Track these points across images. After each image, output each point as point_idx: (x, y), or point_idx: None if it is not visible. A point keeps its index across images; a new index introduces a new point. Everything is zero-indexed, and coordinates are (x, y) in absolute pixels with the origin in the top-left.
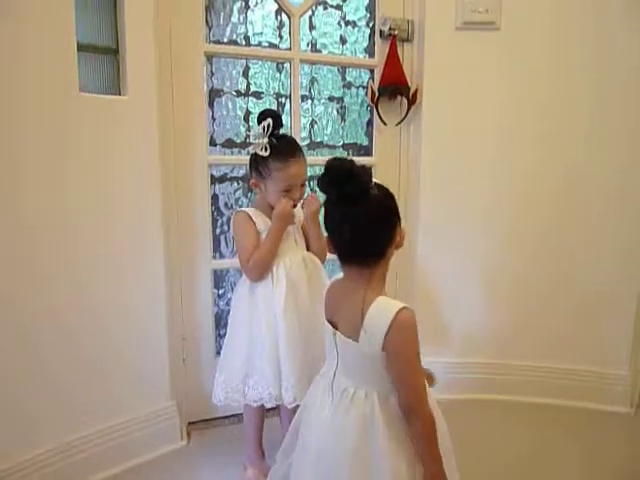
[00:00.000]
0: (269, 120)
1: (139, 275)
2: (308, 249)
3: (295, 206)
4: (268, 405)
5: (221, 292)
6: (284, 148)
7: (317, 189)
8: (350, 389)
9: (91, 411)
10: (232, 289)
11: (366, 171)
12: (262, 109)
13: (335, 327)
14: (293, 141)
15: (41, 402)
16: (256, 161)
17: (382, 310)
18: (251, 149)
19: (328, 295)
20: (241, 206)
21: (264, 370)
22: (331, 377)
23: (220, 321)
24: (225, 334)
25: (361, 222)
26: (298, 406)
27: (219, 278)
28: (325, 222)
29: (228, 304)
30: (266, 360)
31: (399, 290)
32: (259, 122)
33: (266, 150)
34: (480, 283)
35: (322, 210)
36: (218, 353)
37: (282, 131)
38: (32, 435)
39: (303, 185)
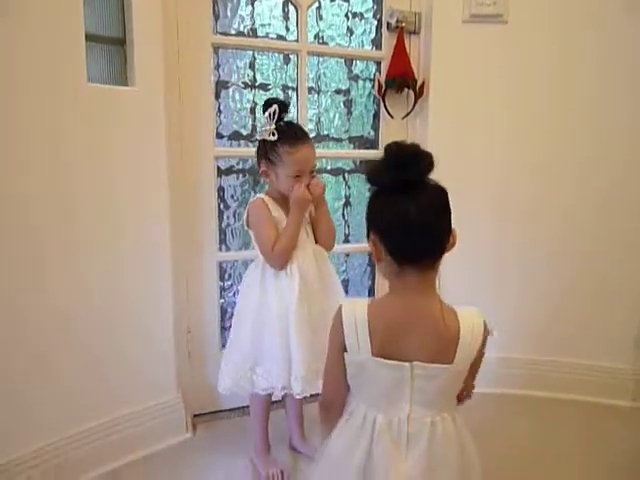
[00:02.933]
0: (274, 107)
1: (145, 267)
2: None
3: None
4: (277, 394)
5: (227, 285)
6: (292, 133)
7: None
8: (436, 418)
9: (95, 404)
10: (238, 282)
11: (429, 154)
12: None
13: (401, 360)
14: (300, 127)
15: (43, 396)
16: (265, 148)
17: (472, 320)
18: (258, 136)
19: (379, 325)
20: (247, 199)
21: (274, 360)
22: (403, 421)
23: (225, 314)
24: (230, 326)
25: (427, 210)
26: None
27: (225, 271)
28: (374, 220)
29: (234, 296)
30: (277, 350)
31: None
32: (264, 111)
33: (274, 135)
34: (488, 279)
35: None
36: (224, 346)
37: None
38: (34, 428)
39: (312, 172)
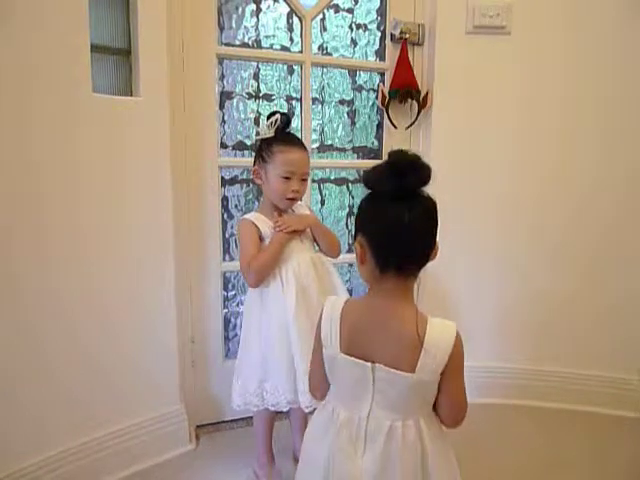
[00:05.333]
0: (277, 116)
1: (149, 277)
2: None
3: (294, 199)
4: (284, 409)
5: (230, 294)
6: (290, 136)
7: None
8: (397, 423)
9: (100, 414)
10: (241, 292)
11: (429, 166)
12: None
13: (366, 359)
14: (298, 137)
15: (49, 405)
16: (260, 148)
17: (442, 330)
18: (257, 137)
19: (348, 321)
20: (251, 209)
21: (279, 374)
22: (363, 419)
23: (229, 324)
24: (234, 337)
25: (420, 220)
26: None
27: (228, 281)
28: (365, 224)
29: (238, 306)
30: (279, 364)
31: None
32: (267, 119)
33: (270, 129)
34: (493, 287)
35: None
36: (227, 356)
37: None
38: (40, 438)
39: (305, 180)
